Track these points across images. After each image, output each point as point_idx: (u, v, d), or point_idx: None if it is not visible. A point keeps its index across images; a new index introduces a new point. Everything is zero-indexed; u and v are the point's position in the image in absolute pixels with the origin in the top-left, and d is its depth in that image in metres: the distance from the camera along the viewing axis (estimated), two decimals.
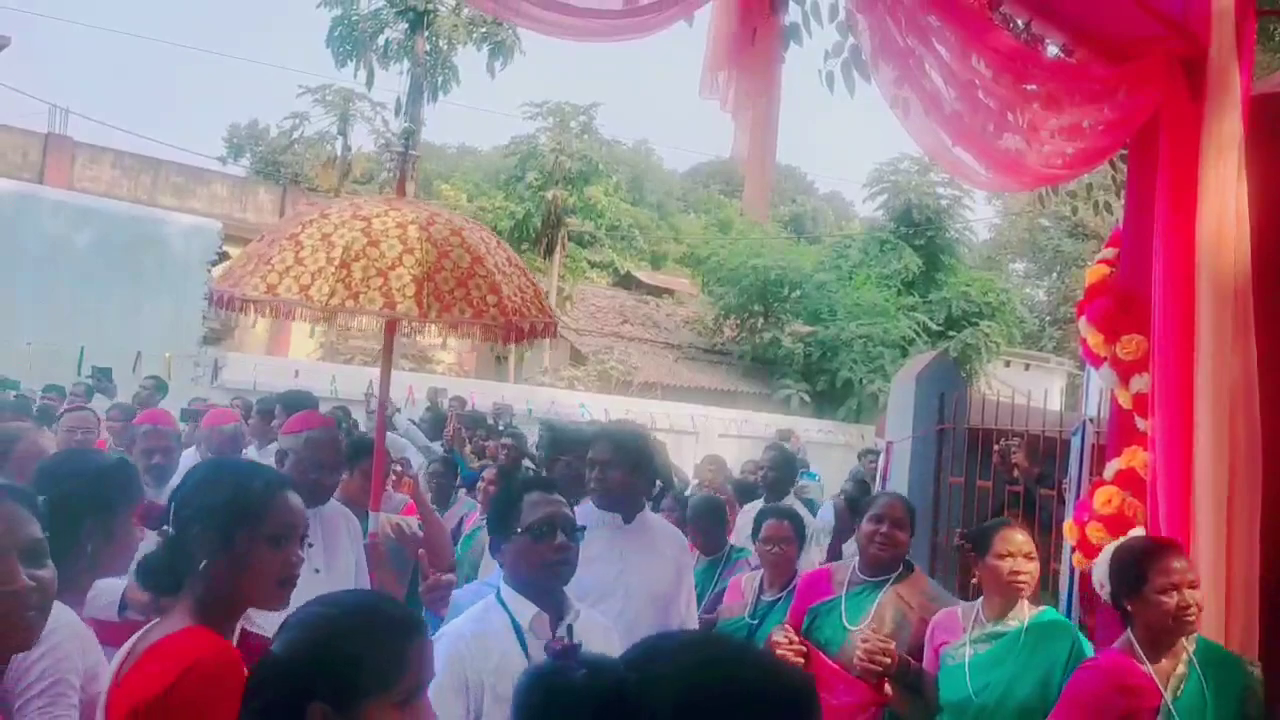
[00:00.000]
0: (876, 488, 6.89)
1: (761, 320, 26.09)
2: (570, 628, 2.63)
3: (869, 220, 33.71)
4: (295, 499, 2.14)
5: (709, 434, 19.15)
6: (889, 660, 3.49)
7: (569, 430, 5.66)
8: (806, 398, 24.15)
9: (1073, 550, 3.95)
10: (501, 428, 10.70)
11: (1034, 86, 3.68)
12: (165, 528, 2.06)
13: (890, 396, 7.25)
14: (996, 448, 5.89)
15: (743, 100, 2.77)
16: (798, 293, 25.69)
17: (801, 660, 3.61)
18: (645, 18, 2.51)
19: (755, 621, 4.36)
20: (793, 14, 3.01)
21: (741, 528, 6.08)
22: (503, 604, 2.65)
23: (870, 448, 14.28)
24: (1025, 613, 3.50)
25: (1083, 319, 3.92)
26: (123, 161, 22.25)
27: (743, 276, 25.47)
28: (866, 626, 3.62)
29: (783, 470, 6.88)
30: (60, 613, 2.01)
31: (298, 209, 4.75)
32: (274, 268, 3.77)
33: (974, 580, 3.59)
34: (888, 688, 3.58)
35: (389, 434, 8.54)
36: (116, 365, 11.10)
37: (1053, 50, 3.88)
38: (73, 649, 2.15)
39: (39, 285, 13.21)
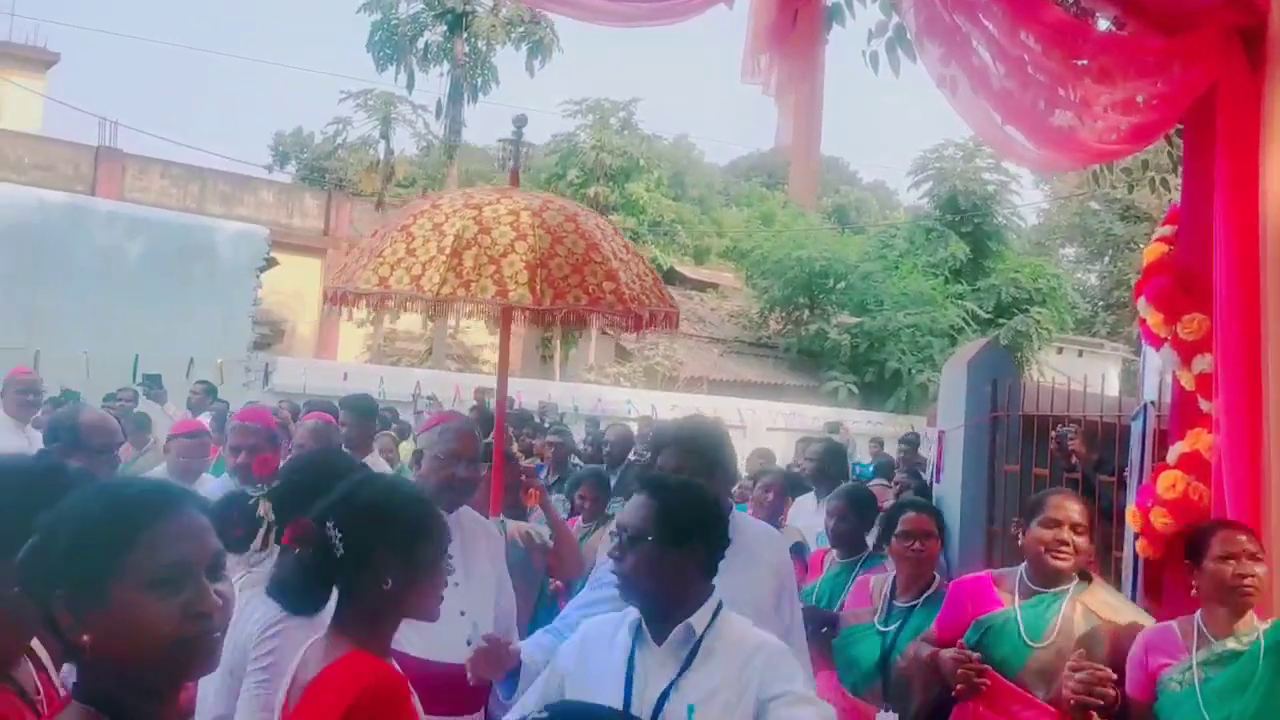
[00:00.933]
0: (929, 478, 6.78)
1: (807, 312, 25.91)
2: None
3: (914, 209, 33.35)
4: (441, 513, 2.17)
5: (757, 428, 19.06)
6: (1113, 693, 2.95)
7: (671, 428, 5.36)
8: (854, 389, 23.96)
9: (1136, 537, 3.84)
10: (547, 425, 10.71)
11: (1085, 61, 3.58)
12: (305, 546, 1.98)
13: (941, 385, 7.11)
14: (1053, 434, 5.75)
15: (785, 84, 2.71)
16: (843, 284, 25.48)
17: (984, 682, 3.15)
18: (683, 1, 2.47)
19: (887, 630, 3.84)
20: None
21: (791, 520, 6.02)
22: None
23: (909, 434, 14.10)
24: (1257, 626, 2.99)
25: (1141, 299, 3.81)
26: (171, 171, 22.63)
27: (787, 269, 25.32)
28: (1052, 643, 3.14)
29: (831, 463, 6.79)
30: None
31: (410, 202, 4.85)
32: (385, 260, 3.70)
33: (1193, 592, 3.08)
34: None
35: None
36: (169, 372, 11.25)
37: (1104, 24, 3.78)
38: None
39: (93, 295, 13.46)
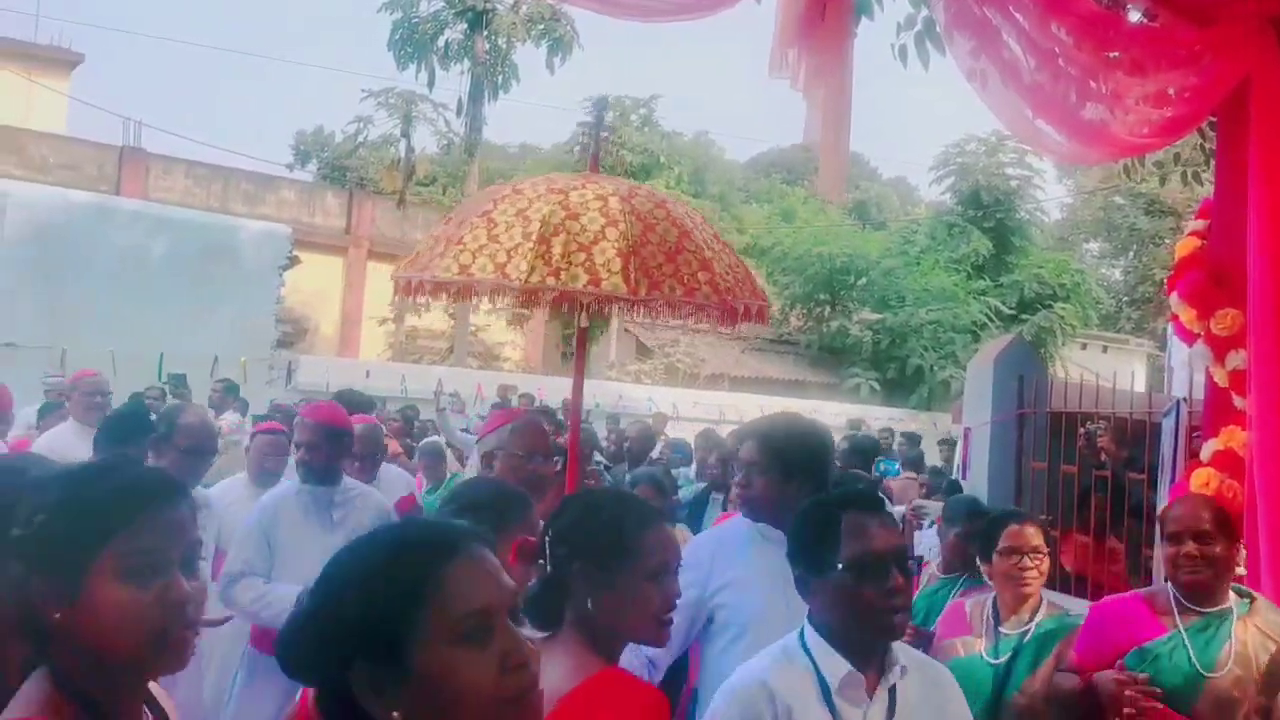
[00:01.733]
0: (956, 475, 6.73)
1: (828, 309, 25.82)
2: (892, 692, 2.09)
3: (935, 204, 33.15)
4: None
5: None
6: None
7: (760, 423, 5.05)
8: (876, 386, 23.85)
9: None
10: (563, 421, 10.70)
11: (1117, 53, 3.54)
12: (541, 562, 1.97)
13: (967, 382, 7.07)
14: (1081, 431, 5.70)
15: (814, 78, 2.68)
16: (864, 280, 25.37)
17: (1156, 706, 2.79)
18: None
19: (999, 662, 3.26)
20: None
21: None
22: (807, 652, 2.11)
23: (947, 437, 14.02)
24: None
25: (1174, 294, 3.76)
26: (195, 171, 22.77)
27: (808, 265, 25.23)
28: (1229, 672, 2.82)
29: (854, 460, 6.74)
30: None
31: (488, 189, 4.54)
32: (466, 247, 3.51)
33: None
34: None
35: (461, 433, 8.61)
36: (193, 370, 11.35)
37: (1135, 16, 3.73)
38: None
39: (118, 294, 13.56)
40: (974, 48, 2.94)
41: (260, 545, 3.82)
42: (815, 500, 2.30)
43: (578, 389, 4.13)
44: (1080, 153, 3.61)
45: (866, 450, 7.40)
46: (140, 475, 1.43)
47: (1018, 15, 3.06)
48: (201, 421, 3.88)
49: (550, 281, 3.35)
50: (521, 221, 3.47)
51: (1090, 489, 5.73)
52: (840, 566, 2.05)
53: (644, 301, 3.56)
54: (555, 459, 3.20)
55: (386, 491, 4.94)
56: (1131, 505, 5.38)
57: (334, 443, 4.00)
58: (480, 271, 3.42)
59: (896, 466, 8.66)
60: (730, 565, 2.79)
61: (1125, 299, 33.12)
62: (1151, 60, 3.53)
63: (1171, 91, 3.62)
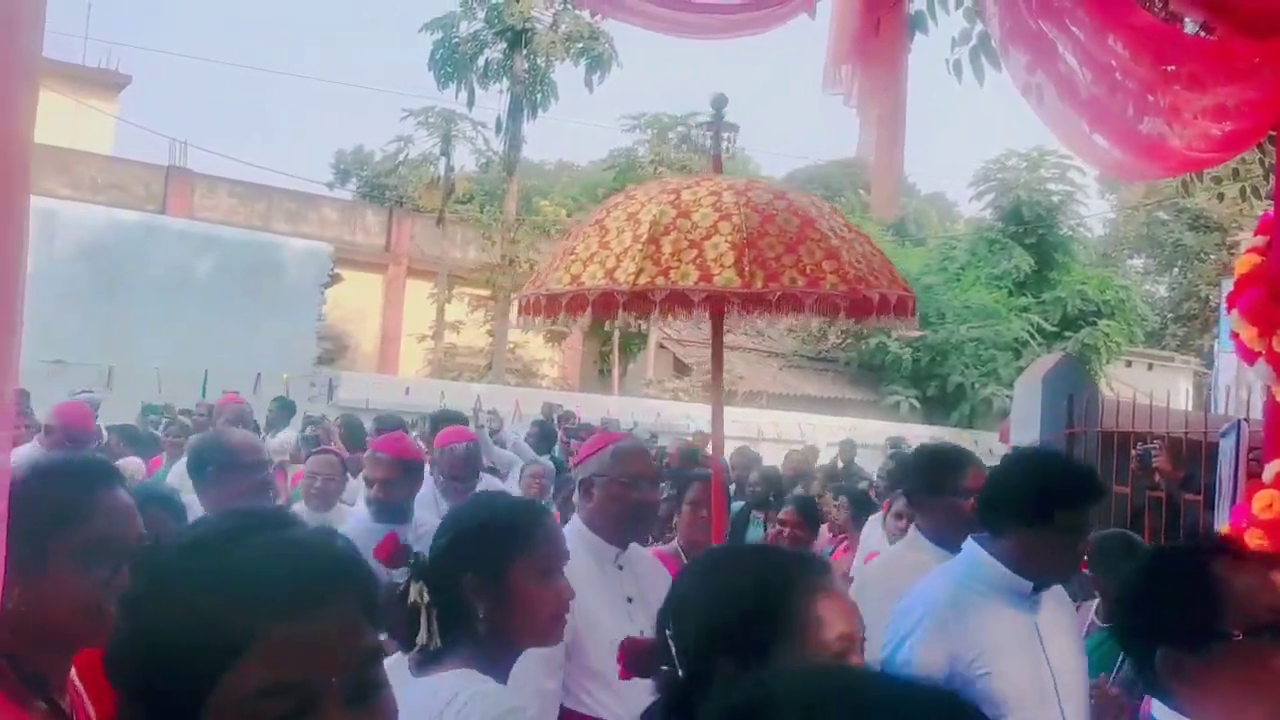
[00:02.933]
0: None
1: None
2: None
3: (974, 220, 32.88)
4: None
5: (817, 442, 18.86)
6: None
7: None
8: (916, 403, 23.64)
9: None
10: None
11: (1173, 67, 3.47)
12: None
13: (1014, 400, 6.98)
14: (1135, 452, 5.58)
15: (868, 94, 2.65)
16: None
17: None
18: (767, 11, 2.43)
19: None
20: (917, 1, 2.89)
21: (863, 540, 5.84)
22: None
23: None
24: None
25: (1234, 312, 3.67)
26: (238, 190, 23.09)
27: None
28: None
29: (934, 471, 6.59)
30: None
31: (607, 200, 4.15)
32: (578, 257, 3.42)
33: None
34: None
35: (499, 449, 8.59)
36: (237, 386, 11.48)
37: (1193, 29, 3.66)
38: None
39: (164, 311, 13.77)
40: (1029, 62, 2.90)
41: None
42: (1167, 550, 2.07)
43: (717, 416, 3.97)
44: (1138, 168, 3.54)
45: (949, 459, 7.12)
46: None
47: (1074, 29, 3.00)
48: (246, 436, 3.72)
49: (660, 281, 3.21)
50: (632, 225, 3.36)
51: (1143, 510, 5.62)
52: (1237, 635, 1.55)
53: (761, 296, 3.37)
54: (660, 486, 2.99)
55: None
56: (1187, 527, 5.27)
57: (413, 477, 3.83)
58: (590, 280, 3.31)
59: None
60: (979, 626, 2.39)
61: (1170, 315, 32.61)
62: (1209, 74, 3.45)
63: (1230, 105, 3.54)
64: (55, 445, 4.41)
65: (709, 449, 5.30)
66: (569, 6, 21.49)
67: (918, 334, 24.79)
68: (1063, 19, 2.97)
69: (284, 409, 8.85)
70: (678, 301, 3.47)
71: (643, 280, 3.22)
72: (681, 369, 24.19)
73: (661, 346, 24.33)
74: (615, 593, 2.79)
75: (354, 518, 3.98)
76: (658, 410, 18.71)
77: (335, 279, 17.19)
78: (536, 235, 24.84)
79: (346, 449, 6.97)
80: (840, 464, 11.32)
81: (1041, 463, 2.54)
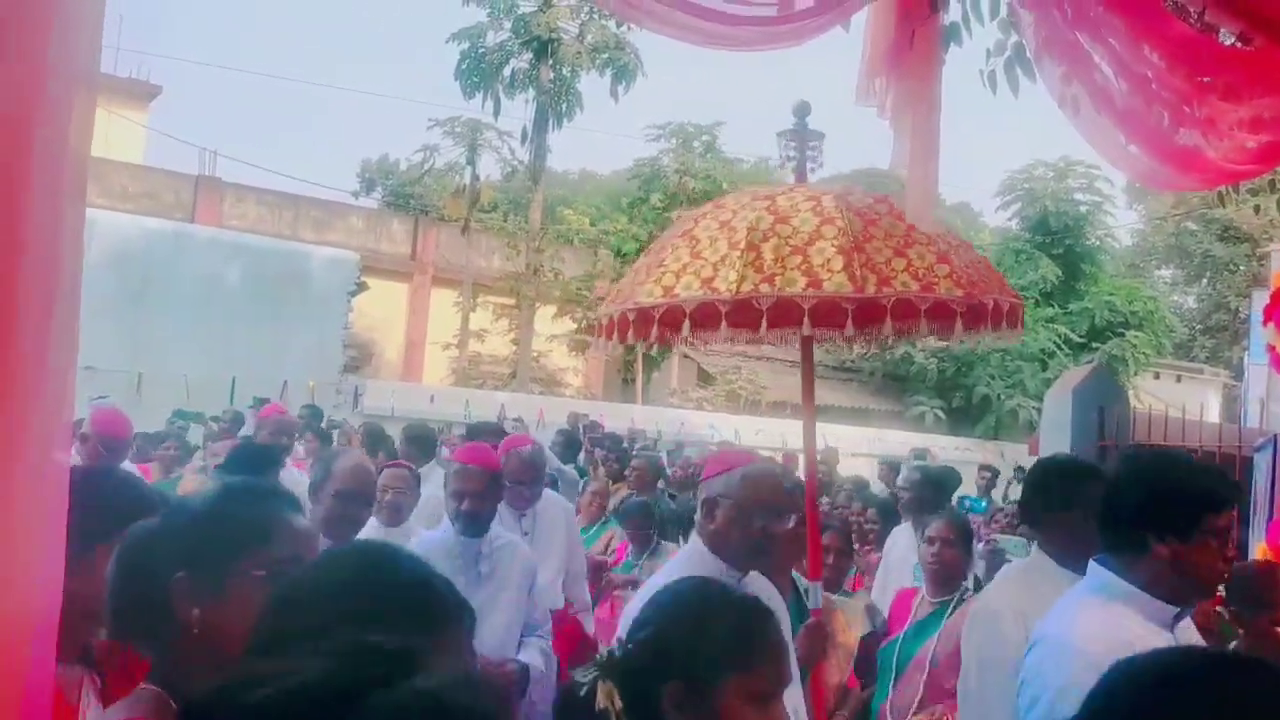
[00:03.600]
0: None
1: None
2: None
3: (999, 230, 32.70)
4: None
5: (841, 453, 18.79)
6: None
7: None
8: (941, 414, 23.51)
9: None
10: (635, 450, 10.67)
11: (1210, 78, 3.44)
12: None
13: (1044, 412, 6.92)
14: None
15: (901, 106, 2.64)
16: None
17: None
18: (801, 23, 2.42)
19: None
20: (952, 13, 2.87)
21: (887, 553, 5.76)
22: None
23: (987, 464, 13.65)
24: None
25: (1269, 325, 3.64)
26: (266, 199, 23.30)
27: None
28: None
29: (926, 492, 6.52)
30: None
31: (681, 214, 3.74)
32: (668, 269, 3.18)
33: None
34: None
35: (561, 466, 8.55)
36: (264, 393, 11.56)
37: (1229, 40, 3.62)
38: None
39: (193, 319, 13.89)
40: (1065, 73, 2.88)
41: None
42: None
43: (809, 431, 3.67)
44: (1175, 179, 3.51)
45: (944, 483, 7.01)
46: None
47: (1110, 39, 2.97)
48: (359, 466, 3.50)
49: (765, 289, 2.94)
50: (726, 233, 3.11)
51: None
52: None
53: (872, 306, 3.06)
54: (791, 516, 2.69)
55: (546, 520, 4.70)
56: None
57: (499, 488, 3.72)
58: (685, 290, 3.04)
59: (985, 504, 8.10)
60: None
61: (1199, 327, 32.29)
62: (1246, 85, 3.42)
63: (1267, 117, 3.50)
64: (91, 454, 4.38)
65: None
66: (595, 17, 21.58)
67: (942, 344, 24.67)
68: (1099, 28, 2.94)
69: (314, 416, 9.03)
70: (783, 315, 3.08)
71: (745, 288, 2.94)
72: (705, 379, 24.16)
73: (685, 356, 24.32)
74: None
75: (440, 531, 3.76)
76: (681, 420, 18.69)
77: (361, 287, 17.30)
78: (561, 244, 24.90)
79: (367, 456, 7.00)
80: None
81: (1174, 464, 2.32)
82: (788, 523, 2.63)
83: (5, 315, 1.12)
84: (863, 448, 19.23)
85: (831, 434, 20.03)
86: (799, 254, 3.00)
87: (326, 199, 25.29)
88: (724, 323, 3.11)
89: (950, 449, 19.94)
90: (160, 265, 14.15)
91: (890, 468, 10.71)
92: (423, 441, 6.11)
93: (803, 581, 3.51)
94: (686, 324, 3.19)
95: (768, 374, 24.40)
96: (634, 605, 2.49)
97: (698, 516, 2.67)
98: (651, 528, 5.60)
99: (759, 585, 2.65)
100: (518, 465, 4.46)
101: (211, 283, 14.61)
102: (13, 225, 1.11)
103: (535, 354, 22.89)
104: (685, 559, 2.71)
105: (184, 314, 13.82)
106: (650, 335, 3.34)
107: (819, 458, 11.75)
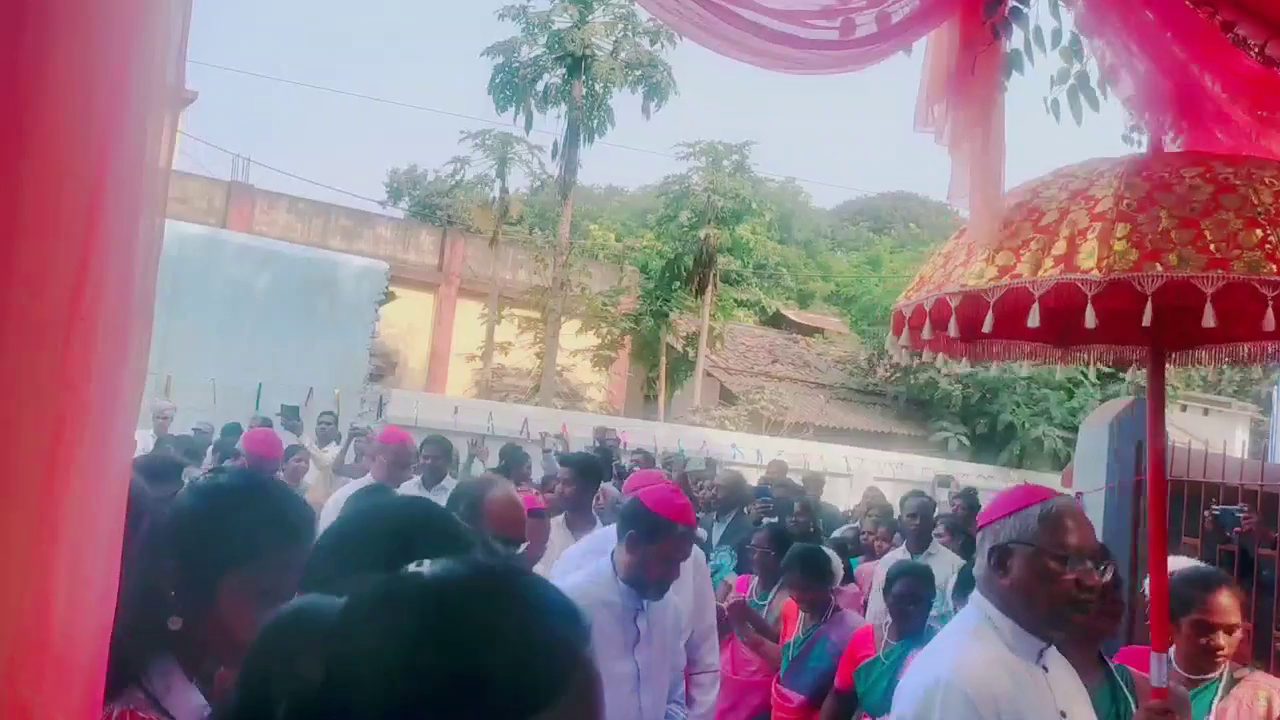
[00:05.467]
0: None
1: (917, 360, 25.38)
2: None
3: None
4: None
5: (864, 476, 18.66)
6: None
7: None
8: (965, 440, 23.34)
9: None
10: (666, 469, 10.61)
11: (1269, 112, 3.39)
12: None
13: (1079, 444, 6.82)
14: (1209, 512, 5.40)
15: (960, 133, 2.61)
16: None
17: None
18: (866, 49, 2.40)
19: None
20: (1015, 40, 2.85)
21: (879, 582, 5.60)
22: None
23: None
24: None
25: None
26: (297, 207, 23.48)
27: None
28: None
29: (928, 519, 6.46)
30: None
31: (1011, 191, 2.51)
32: (1002, 246, 2.52)
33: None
34: None
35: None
36: (290, 401, 11.60)
37: None
38: None
39: (223, 325, 13.97)
40: (1130, 99, 2.85)
41: None
42: None
43: (1153, 434, 2.89)
44: None
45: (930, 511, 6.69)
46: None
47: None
48: (510, 501, 3.24)
49: (1154, 267, 2.25)
50: (1083, 203, 2.45)
51: (1216, 563, 5.45)
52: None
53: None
54: (1108, 566, 2.23)
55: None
56: (1261, 581, 5.11)
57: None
58: (1029, 269, 2.38)
59: None
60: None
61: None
62: None
63: None
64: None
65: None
66: (630, 34, 21.65)
67: (967, 370, 24.52)
68: (1165, 56, 2.91)
69: (335, 424, 9.12)
70: (1172, 288, 2.27)
71: (1121, 265, 2.27)
72: (728, 398, 24.10)
73: (708, 374, 24.27)
74: (1043, 701, 2.11)
75: (588, 577, 3.26)
76: (704, 438, 18.61)
77: (390, 297, 17.37)
78: (587, 259, 24.93)
79: None
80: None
81: None
82: (1104, 574, 2.17)
83: (87, 327, 1.11)
84: (887, 472, 19.10)
85: (854, 457, 19.92)
86: (1190, 227, 2.33)
87: (356, 208, 25.47)
88: (1035, 318, 2.33)
89: (974, 476, 19.78)
90: (192, 270, 14.22)
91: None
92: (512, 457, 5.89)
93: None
94: (990, 318, 2.44)
95: (790, 395, 24.32)
96: (913, 684, 2.12)
97: (981, 570, 2.22)
98: (781, 557, 5.08)
99: (1054, 663, 2.23)
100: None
101: (242, 289, 14.70)
102: (92, 238, 1.10)
103: (559, 368, 22.90)
104: (971, 626, 2.21)
105: (214, 319, 13.90)
106: (950, 329, 2.61)
107: (804, 479, 11.49)
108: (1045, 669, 2.17)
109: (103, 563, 1.18)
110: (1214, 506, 5.39)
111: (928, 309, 2.72)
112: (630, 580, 3.15)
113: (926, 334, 2.79)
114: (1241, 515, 5.21)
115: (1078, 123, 3.04)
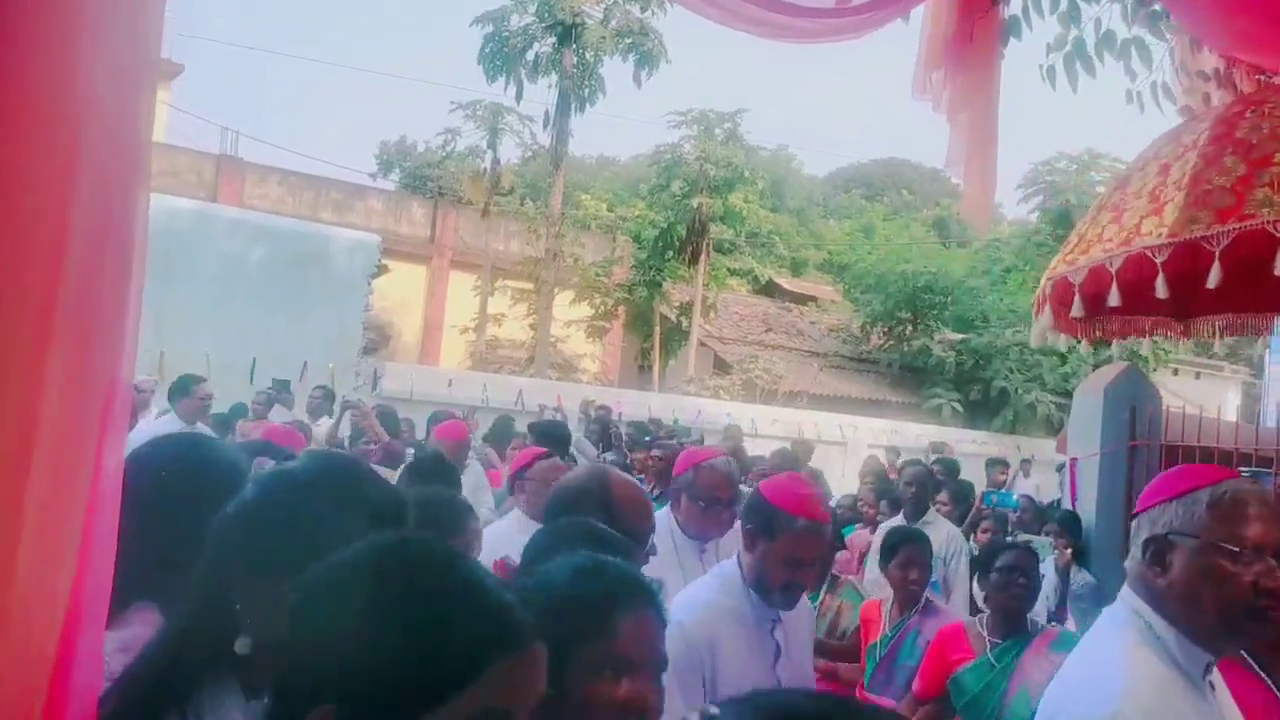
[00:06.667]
0: (1068, 506, 6.50)
1: (910, 328, 25.43)
2: None
3: (1018, 222, 32.51)
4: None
5: (858, 444, 18.75)
6: None
7: None
8: (959, 407, 23.41)
9: None
10: (649, 440, 10.62)
11: None
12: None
13: (1073, 410, 6.84)
14: None
15: (959, 100, 2.59)
16: (948, 299, 24.94)
17: None
18: (864, 17, 2.38)
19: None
20: (1012, 6, 2.82)
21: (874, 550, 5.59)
22: None
23: (997, 457, 13.61)
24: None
25: None
26: (288, 180, 23.32)
27: (890, 283, 24.91)
28: None
29: (925, 488, 6.45)
30: None
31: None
32: (1170, 200, 2.26)
33: None
34: None
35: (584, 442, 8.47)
36: (284, 375, 11.57)
37: None
38: None
39: (216, 299, 13.90)
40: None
41: (693, 677, 2.44)
42: None
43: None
44: None
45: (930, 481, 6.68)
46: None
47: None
48: (726, 472, 3.04)
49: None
50: (1241, 151, 2.19)
51: None
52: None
53: None
54: None
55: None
56: None
57: None
58: (1190, 226, 2.16)
59: (1015, 498, 8.02)
60: None
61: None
62: None
63: None
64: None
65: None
66: (620, 1, 21.43)
67: (960, 337, 24.54)
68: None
69: (327, 399, 9.11)
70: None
71: (1267, 214, 2.03)
72: (722, 367, 24.11)
73: (702, 344, 24.27)
74: None
75: (709, 586, 2.83)
76: (698, 408, 18.65)
77: (382, 270, 17.30)
78: (579, 229, 24.84)
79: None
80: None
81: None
82: None
83: (80, 302, 1.08)
84: (881, 440, 19.17)
85: (848, 425, 19.99)
86: None
87: (346, 180, 25.31)
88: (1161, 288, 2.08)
89: (968, 442, 19.87)
90: (186, 244, 14.13)
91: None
92: (555, 438, 5.81)
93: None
94: (1114, 290, 2.25)
95: (784, 364, 24.34)
96: (1079, 714, 1.72)
97: (1136, 563, 1.85)
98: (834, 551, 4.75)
99: (1219, 682, 1.87)
100: (714, 482, 3.33)
101: (234, 263, 14.61)
102: (73, 213, 1.06)
103: (553, 339, 22.88)
104: (1130, 636, 1.81)
105: (206, 293, 13.83)
106: (1112, 298, 2.27)
107: (791, 449, 11.48)
108: (1212, 686, 1.83)
109: (100, 554, 1.16)
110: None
111: (1113, 269, 2.35)
112: (755, 586, 2.69)
113: (1077, 310, 2.49)
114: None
115: (1074, 90, 3.03)
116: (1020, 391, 23.09)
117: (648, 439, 10.24)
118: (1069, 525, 5.95)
